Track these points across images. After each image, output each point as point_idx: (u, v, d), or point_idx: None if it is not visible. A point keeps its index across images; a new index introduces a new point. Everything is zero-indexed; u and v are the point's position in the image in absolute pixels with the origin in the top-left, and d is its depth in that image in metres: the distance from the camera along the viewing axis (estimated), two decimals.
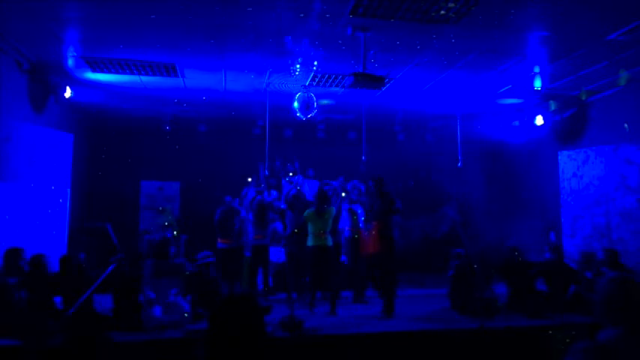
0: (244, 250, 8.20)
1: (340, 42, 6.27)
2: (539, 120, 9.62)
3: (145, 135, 11.08)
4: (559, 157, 9.34)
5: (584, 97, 8.63)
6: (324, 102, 8.91)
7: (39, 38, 6.30)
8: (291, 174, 9.32)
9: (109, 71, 7.46)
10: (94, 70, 7.43)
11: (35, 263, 5.62)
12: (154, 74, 7.61)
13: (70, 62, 7.16)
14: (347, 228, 7.90)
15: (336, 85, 8.11)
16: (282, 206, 8.05)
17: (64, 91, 7.86)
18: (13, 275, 5.56)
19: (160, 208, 10.73)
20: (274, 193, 9.07)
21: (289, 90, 8.14)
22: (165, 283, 5.88)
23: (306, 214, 7.10)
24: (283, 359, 4.97)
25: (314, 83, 7.96)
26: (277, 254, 8.53)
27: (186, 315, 5.70)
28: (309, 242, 6.96)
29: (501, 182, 10.73)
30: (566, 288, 6.66)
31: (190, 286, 6.07)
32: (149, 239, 9.53)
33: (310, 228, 7.00)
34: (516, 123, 9.91)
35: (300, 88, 7.78)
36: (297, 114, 7.21)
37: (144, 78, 7.81)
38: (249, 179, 8.94)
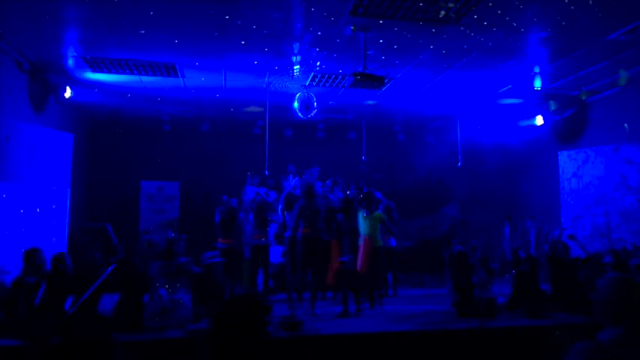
0: (244, 251, 8.20)
1: (340, 42, 6.27)
2: (539, 120, 9.62)
3: (145, 135, 11.09)
4: (559, 157, 9.35)
5: (584, 97, 8.63)
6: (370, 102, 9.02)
7: (39, 38, 6.30)
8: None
9: (109, 71, 7.47)
10: (94, 70, 7.43)
11: (58, 262, 5.63)
12: (154, 74, 7.62)
13: (70, 62, 7.17)
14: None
15: (336, 85, 8.11)
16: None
17: (64, 91, 7.86)
18: (32, 275, 5.57)
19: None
20: (273, 193, 9.08)
21: (289, 90, 8.15)
22: (172, 283, 5.87)
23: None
24: (283, 359, 4.97)
25: (314, 83, 7.96)
26: (277, 254, 8.53)
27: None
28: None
29: (501, 182, 10.74)
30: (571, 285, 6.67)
31: (194, 286, 6.06)
32: (149, 239, 9.53)
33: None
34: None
35: (300, 88, 7.79)
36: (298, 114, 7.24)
37: (144, 78, 7.81)
38: (248, 173, 8.90)
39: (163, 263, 5.96)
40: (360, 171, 9.81)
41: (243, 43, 6.37)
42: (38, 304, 5.36)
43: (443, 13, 5.40)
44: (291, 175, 9.82)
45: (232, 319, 1.91)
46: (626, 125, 7.92)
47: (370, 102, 9.17)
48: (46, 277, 5.50)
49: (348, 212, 6.87)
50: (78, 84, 8.04)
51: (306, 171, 9.32)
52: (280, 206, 8.36)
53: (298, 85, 7.93)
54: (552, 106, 9.17)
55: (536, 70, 7.46)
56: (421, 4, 5.22)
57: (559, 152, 9.38)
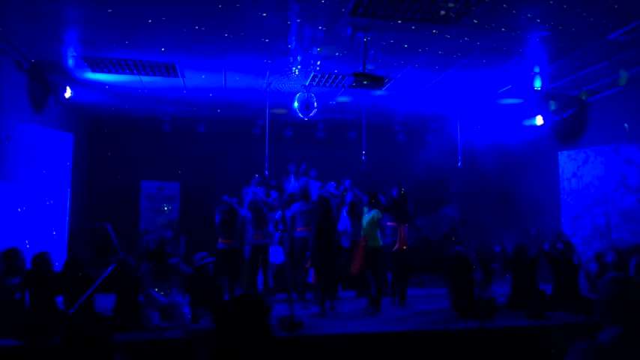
0: (244, 250, 8.21)
1: (340, 42, 6.27)
2: (539, 120, 9.62)
3: (145, 135, 11.08)
4: (559, 157, 9.34)
5: (584, 97, 8.63)
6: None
7: (39, 38, 6.30)
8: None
9: (109, 71, 7.47)
10: (94, 70, 7.43)
11: (38, 261, 5.63)
12: (154, 74, 7.61)
13: (70, 62, 7.16)
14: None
15: (336, 85, 8.11)
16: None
17: (64, 91, 7.86)
18: (14, 275, 5.55)
19: (165, 208, 10.73)
20: (274, 193, 9.08)
21: (289, 90, 8.16)
22: (164, 284, 5.87)
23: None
24: (283, 359, 4.97)
25: (314, 83, 7.96)
26: (276, 255, 8.53)
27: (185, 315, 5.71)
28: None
29: (501, 182, 10.73)
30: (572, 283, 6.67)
31: (190, 286, 6.06)
32: (148, 240, 9.54)
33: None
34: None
35: (300, 88, 7.79)
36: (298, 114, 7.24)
37: (144, 78, 7.81)
38: (257, 175, 8.87)
39: (153, 264, 5.96)
40: (360, 171, 9.80)
41: (243, 43, 6.37)
42: (28, 304, 5.36)
43: (443, 12, 5.40)
44: (292, 176, 9.84)
45: (234, 319, 1.91)
46: (626, 125, 7.92)
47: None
48: (28, 278, 5.48)
49: (322, 211, 6.98)
50: (78, 84, 8.04)
51: (300, 171, 9.47)
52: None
53: (298, 85, 7.93)
54: (552, 106, 9.17)
55: (536, 70, 7.46)
56: (421, 4, 5.22)
57: (559, 152, 9.37)
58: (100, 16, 5.59)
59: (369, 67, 6.49)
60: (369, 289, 6.91)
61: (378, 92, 8.58)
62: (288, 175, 9.87)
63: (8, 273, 5.58)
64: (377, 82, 6.42)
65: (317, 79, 7.80)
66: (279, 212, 8.28)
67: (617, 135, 8.09)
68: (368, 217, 7.10)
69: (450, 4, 5.20)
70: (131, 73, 7.53)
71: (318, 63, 7.01)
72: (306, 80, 7.81)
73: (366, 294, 6.93)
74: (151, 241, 8.35)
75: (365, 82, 6.28)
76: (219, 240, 7.92)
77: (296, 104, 7.18)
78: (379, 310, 6.66)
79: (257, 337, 1.92)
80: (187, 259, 7.10)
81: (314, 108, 7.19)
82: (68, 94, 7.91)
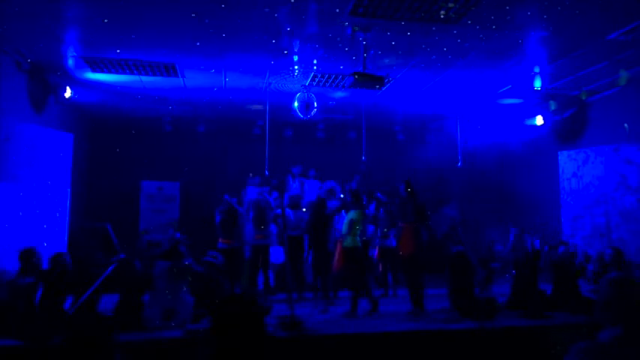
0: (245, 250, 8.21)
1: (340, 42, 6.27)
2: (539, 120, 9.62)
3: (145, 135, 11.08)
4: (559, 157, 9.35)
5: (584, 97, 8.63)
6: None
7: (39, 38, 6.30)
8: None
9: (109, 71, 7.47)
10: (94, 70, 7.43)
11: (57, 262, 5.64)
12: (154, 74, 7.61)
13: (70, 62, 7.17)
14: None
15: (336, 85, 8.12)
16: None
17: (64, 91, 7.86)
18: (29, 275, 5.56)
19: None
20: (275, 193, 9.08)
21: (289, 90, 8.16)
22: (177, 284, 5.87)
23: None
24: (283, 359, 4.97)
25: (314, 83, 7.96)
26: (277, 255, 8.53)
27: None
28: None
29: (501, 182, 10.73)
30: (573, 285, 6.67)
31: (196, 287, 6.06)
32: (149, 239, 9.53)
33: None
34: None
35: (300, 88, 7.79)
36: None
37: (144, 78, 7.81)
38: (251, 174, 8.85)
39: (168, 264, 5.96)
40: (360, 171, 9.80)
41: (243, 43, 6.37)
42: (38, 303, 5.36)
43: (443, 13, 5.40)
44: (297, 178, 9.86)
45: (229, 318, 1.91)
46: (626, 125, 7.92)
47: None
48: (44, 277, 5.50)
49: (314, 211, 7.08)
50: (78, 84, 8.04)
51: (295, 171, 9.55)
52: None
53: (298, 85, 7.93)
54: (552, 106, 9.17)
55: (536, 70, 7.46)
56: (421, 4, 5.22)
57: (559, 152, 9.38)
58: (100, 16, 5.59)
59: (369, 66, 6.49)
60: (357, 291, 6.62)
61: (379, 92, 8.58)
62: (294, 177, 9.89)
63: (25, 272, 5.59)
64: (377, 81, 6.42)
65: (317, 79, 7.80)
66: (279, 210, 8.29)
67: (617, 135, 8.09)
68: (347, 217, 6.92)
69: (450, 4, 5.20)
70: (131, 73, 7.53)
71: (316, 63, 7.01)
72: (306, 80, 7.81)
73: (356, 295, 6.70)
74: (163, 241, 8.35)
75: (362, 80, 6.27)
76: (220, 240, 7.92)
77: (296, 104, 7.18)
78: (377, 310, 6.62)
79: (251, 336, 1.92)
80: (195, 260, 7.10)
81: (314, 108, 7.19)
82: (68, 94, 7.92)
